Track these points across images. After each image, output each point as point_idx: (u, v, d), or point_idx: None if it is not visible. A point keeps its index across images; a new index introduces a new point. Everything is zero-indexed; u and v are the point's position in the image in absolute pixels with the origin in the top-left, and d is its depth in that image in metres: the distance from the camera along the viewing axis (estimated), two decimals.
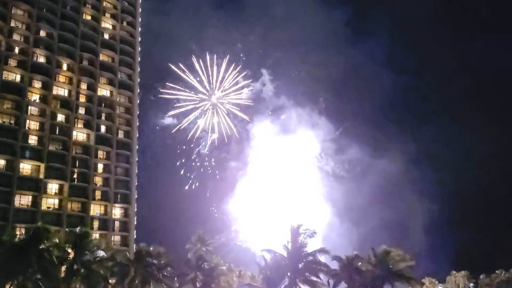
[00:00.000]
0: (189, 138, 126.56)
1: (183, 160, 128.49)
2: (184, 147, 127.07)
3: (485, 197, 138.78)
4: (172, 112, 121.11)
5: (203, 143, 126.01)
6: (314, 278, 58.96)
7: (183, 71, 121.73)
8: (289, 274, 58.61)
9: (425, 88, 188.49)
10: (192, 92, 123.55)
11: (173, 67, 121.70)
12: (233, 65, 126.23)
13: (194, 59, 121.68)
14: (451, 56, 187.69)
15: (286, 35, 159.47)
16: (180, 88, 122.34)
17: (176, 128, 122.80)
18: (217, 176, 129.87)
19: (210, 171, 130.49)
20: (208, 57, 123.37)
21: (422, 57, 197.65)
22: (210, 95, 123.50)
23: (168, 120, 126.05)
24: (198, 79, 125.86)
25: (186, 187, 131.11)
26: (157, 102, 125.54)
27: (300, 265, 59.18)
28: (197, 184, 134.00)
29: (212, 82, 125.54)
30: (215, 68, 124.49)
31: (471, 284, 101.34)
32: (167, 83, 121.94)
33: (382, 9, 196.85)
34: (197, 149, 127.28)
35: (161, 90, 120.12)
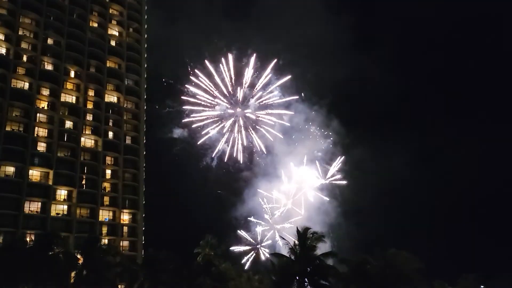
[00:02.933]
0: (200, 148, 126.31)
1: (193, 164, 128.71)
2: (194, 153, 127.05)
3: (495, 198, 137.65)
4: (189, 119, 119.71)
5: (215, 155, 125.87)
6: (323, 282, 58.79)
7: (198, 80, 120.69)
8: (297, 277, 58.51)
9: (432, 91, 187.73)
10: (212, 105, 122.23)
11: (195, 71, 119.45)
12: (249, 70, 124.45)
13: (208, 64, 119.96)
14: (459, 60, 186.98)
15: (293, 39, 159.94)
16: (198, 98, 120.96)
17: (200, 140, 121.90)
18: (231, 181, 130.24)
19: (220, 176, 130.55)
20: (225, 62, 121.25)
21: (428, 61, 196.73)
22: (235, 107, 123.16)
23: (177, 132, 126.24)
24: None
25: (196, 192, 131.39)
26: (167, 113, 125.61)
27: (308, 269, 59.03)
28: (206, 188, 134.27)
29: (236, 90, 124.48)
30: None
31: (482, 286, 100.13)
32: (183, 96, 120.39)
33: (388, 14, 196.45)
34: (206, 158, 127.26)
35: (182, 97, 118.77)
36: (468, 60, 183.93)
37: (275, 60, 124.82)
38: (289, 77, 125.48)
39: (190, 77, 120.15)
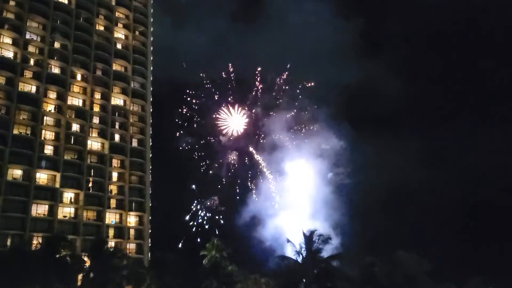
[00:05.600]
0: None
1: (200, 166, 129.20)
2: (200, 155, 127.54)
3: (504, 199, 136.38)
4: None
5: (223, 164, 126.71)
6: (330, 285, 58.59)
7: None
8: (304, 280, 58.38)
9: (440, 94, 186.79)
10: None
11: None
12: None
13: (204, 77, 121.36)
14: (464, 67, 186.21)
15: (301, 43, 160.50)
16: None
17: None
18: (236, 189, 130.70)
19: (226, 181, 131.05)
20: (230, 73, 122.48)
21: (436, 64, 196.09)
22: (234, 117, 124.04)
23: (184, 136, 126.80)
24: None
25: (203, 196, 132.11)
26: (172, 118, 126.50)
27: (315, 271, 58.87)
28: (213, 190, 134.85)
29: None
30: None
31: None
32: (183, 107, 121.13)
33: (398, 20, 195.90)
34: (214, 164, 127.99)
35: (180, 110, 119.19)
36: (476, 64, 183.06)
37: (285, 73, 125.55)
38: (311, 84, 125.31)
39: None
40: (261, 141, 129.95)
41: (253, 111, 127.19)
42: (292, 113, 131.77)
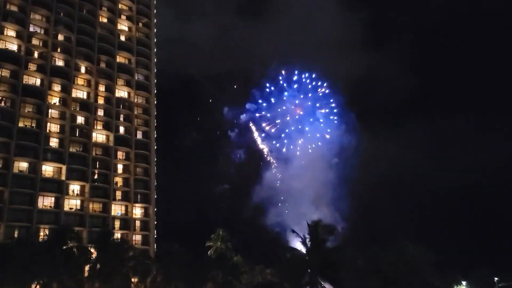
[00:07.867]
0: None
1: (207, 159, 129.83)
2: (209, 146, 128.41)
3: (509, 190, 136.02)
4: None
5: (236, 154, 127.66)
6: (334, 275, 58.70)
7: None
8: (309, 270, 58.57)
9: (444, 86, 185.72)
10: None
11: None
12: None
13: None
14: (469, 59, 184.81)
15: (307, 36, 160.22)
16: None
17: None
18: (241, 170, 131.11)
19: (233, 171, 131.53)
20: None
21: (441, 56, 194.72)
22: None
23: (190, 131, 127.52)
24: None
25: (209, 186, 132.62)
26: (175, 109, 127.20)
27: (320, 262, 59.00)
28: (218, 181, 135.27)
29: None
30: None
31: (496, 278, 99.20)
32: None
33: (404, 12, 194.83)
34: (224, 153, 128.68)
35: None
36: (482, 54, 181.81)
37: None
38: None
39: None
40: (267, 129, 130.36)
41: (258, 102, 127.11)
42: (297, 101, 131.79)
